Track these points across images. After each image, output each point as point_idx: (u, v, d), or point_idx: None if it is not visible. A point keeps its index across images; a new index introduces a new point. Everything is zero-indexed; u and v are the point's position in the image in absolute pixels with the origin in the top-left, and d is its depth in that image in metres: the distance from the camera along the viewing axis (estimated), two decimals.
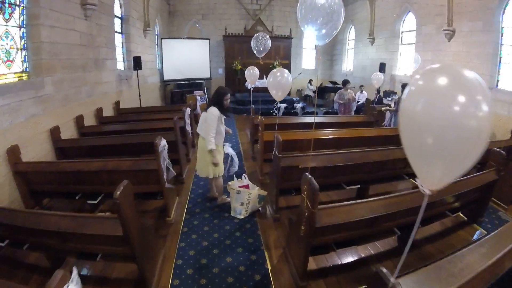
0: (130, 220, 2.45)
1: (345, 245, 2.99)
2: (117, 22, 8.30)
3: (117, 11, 8.29)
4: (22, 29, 4.68)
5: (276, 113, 4.34)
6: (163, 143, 3.49)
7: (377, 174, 4.44)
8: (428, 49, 8.97)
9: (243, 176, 4.29)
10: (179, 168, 5.13)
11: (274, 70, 4.29)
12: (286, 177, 3.88)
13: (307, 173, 2.61)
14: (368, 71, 12.66)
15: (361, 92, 10.13)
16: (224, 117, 4.03)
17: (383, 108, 7.31)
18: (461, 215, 4.11)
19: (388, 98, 9.44)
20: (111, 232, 2.49)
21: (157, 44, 12.55)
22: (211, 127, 3.78)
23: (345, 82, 7.84)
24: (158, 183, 3.71)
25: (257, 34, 7.67)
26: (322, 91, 14.22)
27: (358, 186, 4.39)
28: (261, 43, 7.42)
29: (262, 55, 7.65)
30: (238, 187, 4.04)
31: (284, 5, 15.04)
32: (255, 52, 7.58)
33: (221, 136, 4.03)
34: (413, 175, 5.28)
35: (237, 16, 14.65)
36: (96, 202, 3.86)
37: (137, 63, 8.40)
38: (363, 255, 3.36)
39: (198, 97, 8.88)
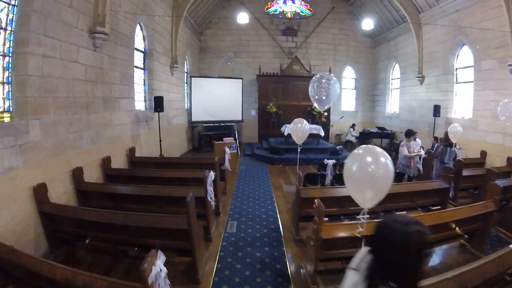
0: None
1: None
2: (139, 56, 7.26)
3: (140, 44, 7.28)
4: (8, 58, 3.71)
5: None
6: (157, 265, 1.83)
7: None
8: (490, 88, 7.32)
9: None
10: (192, 255, 3.40)
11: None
12: None
13: None
14: (417, 114, 11.05)
15: (414, 140, 8.21)
16: None
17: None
18: None
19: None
20: None
21: (186, 82, 11.58)
22: None
23: (410, 133, 6.10)
24: None
25: (319, 75, 5.19)
26: (365, 136, 12.42)
27: None
28: (324, 90, 4.94)
29: (326, 108, 5.41)
30: None
31: (320, 42, 14.01)
32: (315, 103, 5.22)
33: None
34: None
35: (271, 54, 13.78)
36: None
37: (158, 104, 7.15)
38: None
39: (227, 149, 6.38)
